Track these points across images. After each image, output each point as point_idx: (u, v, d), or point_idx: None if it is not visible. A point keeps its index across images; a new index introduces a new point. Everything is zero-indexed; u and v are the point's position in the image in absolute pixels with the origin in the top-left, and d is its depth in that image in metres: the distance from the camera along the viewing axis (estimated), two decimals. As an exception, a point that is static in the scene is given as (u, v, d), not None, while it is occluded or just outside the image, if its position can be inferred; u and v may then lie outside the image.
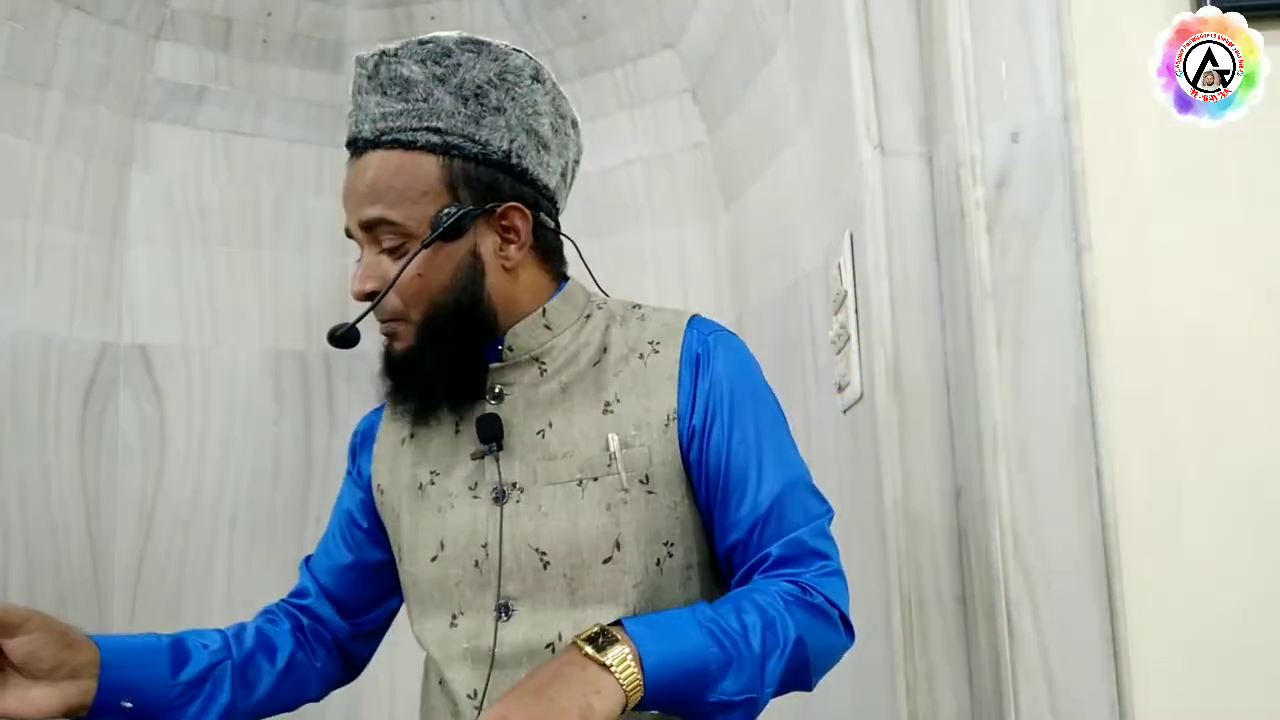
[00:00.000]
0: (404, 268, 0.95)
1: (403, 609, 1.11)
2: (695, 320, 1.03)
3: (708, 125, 2.43)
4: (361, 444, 1.14)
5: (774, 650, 0.89)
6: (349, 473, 1.15)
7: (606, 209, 2.54)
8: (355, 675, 1.18)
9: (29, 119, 2.24)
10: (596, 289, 1.10)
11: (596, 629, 0.86)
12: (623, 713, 0.82)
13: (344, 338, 0.97)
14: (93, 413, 2.34)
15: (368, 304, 0.98)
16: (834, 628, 0.96)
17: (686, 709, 0.87)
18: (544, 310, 1.01)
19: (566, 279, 1.06)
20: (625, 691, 0.82)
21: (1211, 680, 1.17)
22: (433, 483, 1.02)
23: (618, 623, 0.87)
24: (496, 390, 1.00)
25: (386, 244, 0.96)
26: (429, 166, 0.95)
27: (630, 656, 0.83)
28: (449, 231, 0.95)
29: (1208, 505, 1.19)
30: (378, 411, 1.14)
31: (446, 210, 0.95)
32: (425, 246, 0.95)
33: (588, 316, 1.04)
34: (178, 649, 1.01)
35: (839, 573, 0.98)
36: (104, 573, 2.25)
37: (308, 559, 1.17)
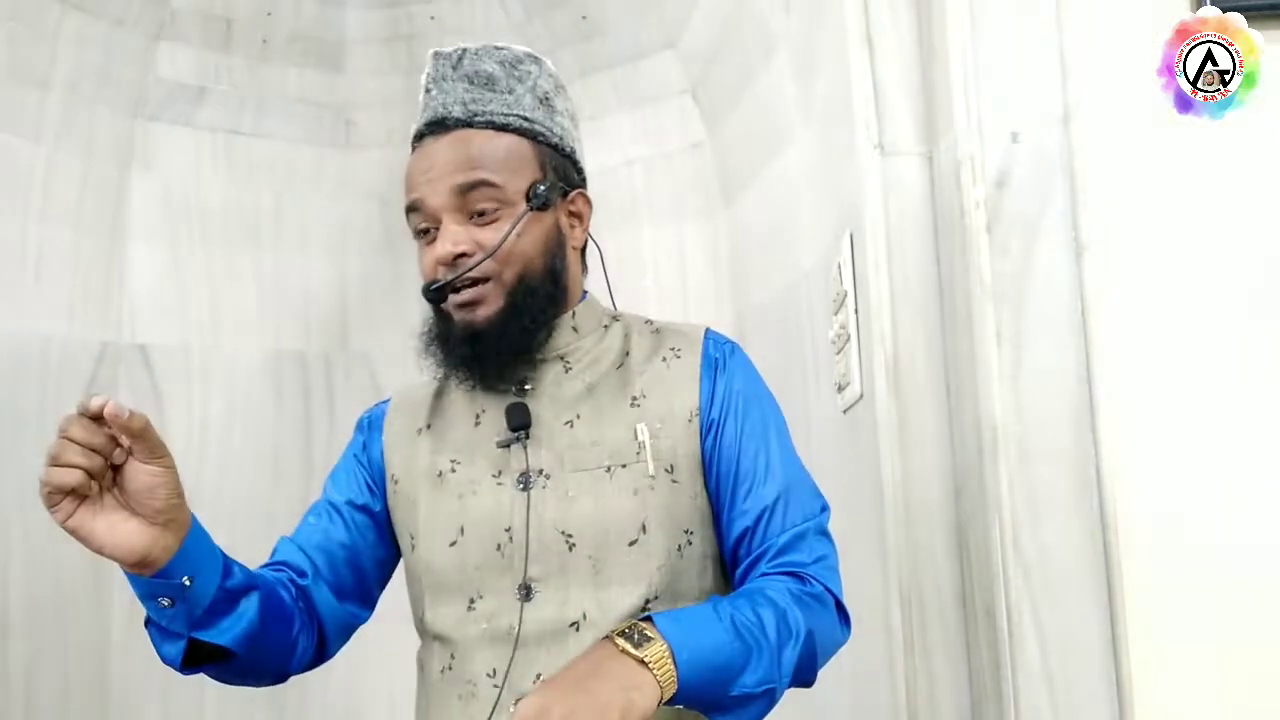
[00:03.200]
0: (513, 227, 1.01)
1: (398, 601, 1.09)
2: (710, 332, 1.10)
3: (708, 125, 2.43)
4: (370, 430, 1.14)
5: (788, 641, 0.93)
6: (355, 457, 1.13)
7: (606, 209, 2.53)
8: (312, 667, 1.09)
9: (29, 119, 2.24)
10: (610, 301, 1.16)
11: (629, 625, 0.89)
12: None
13: (439, 290, 1.01)
14: (93, 413, 2.34)
15: (450, 270, 1.00)
16: (834, 619, 1.00)
17: (710, 703, 0.90)
18: (573, 313, 1.08)
19: (585, 292, 1.12)
20: (661, 687, 0.84)
21: (1212, 680, 1.17)
22: (454, 470, 1.04)
23: (648, 618, 0.89)
24: (524, 385, 1.04)
25: (479, 208, 1.01)
26: (522, 146, 1.04)
27: (666, 653, 0.86)
28: (542, 201, 1.03)
29: (1208, 505, 1.19)
30: (384, 404, 1.16)
31: (541, 182, 1.04)
32: (531, 209, 1.02)
33: (605, 327, 1.10)
34: (226, 560, 0.96)
35: (836, 569, 1.03)
36: (104, 573, 2.25)
37: (289, 538, 1.11)
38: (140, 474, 0.86)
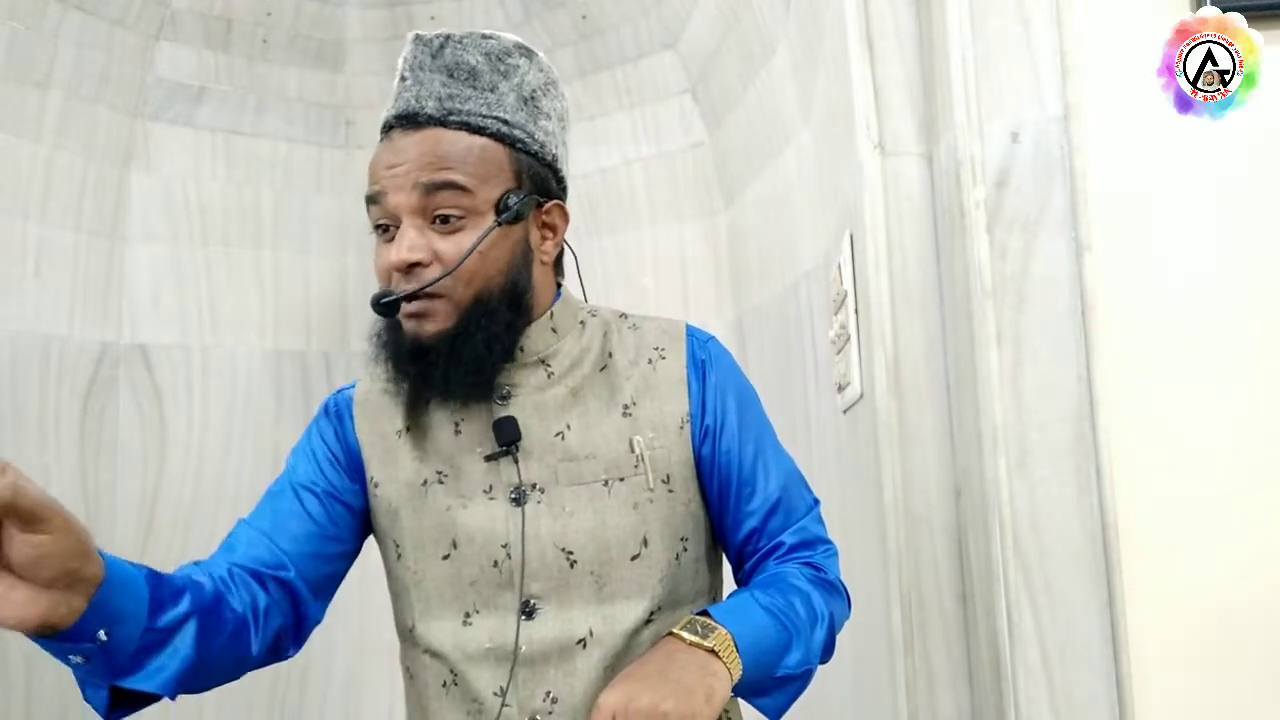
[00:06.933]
0: (477, 244, 0.94)
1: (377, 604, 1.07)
2: (690, 329, 1.08)
3: (708, 125, 2.43)
4: (340, 419, 1.08)
5: (815, 623, 0.98)
6: (324, 441, 1.07)
7: (606, 209, 2.54)
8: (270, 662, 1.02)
9: (29, 119, 2.24)
10: (583, 296, 1.13)
11: (688, 620, 0.91)
12: None
13: (390, 304, 0.95)
14: (93, 412, 2.34)
15: (404, 278, 0.94)
16: (843, 601, 1.06)
17: (756, 685, 0.93)
18: (551, 314, 1.04)
19: (560, 286, 1.08)
20: (731, 673, 0.87)
21: (1212, 680, 1.17)
22: (440, 481, 1.00)
23: (704, 612, 0.92)
24: (505, 391, 1.01)
25: (443, 213, 0.94)
26: (498, 152, 0.98)
27: (730, 640, 0.89)
28: (513, 215, 0.97)
29: (1207, 505, 1.19)
30: (348, 389, 1.10)
31: (514, 193, 0.97)
32: (500, 224, 0.96)
33: (582, 323, 1.07)
34: (158, 590, 0.85)
35: (837, 553, 1.09)
36: (104, 573, 2.25)
37: (257, 527, 1.02)
38: (20, 546, 0.71)
